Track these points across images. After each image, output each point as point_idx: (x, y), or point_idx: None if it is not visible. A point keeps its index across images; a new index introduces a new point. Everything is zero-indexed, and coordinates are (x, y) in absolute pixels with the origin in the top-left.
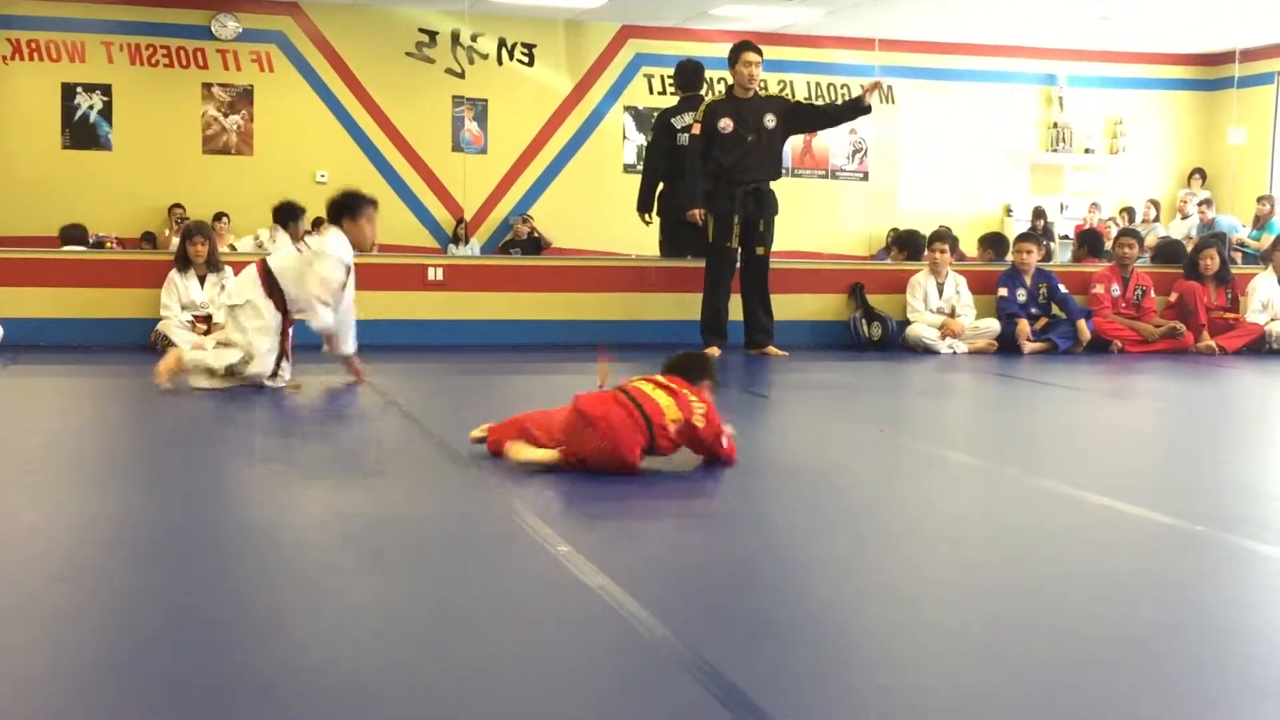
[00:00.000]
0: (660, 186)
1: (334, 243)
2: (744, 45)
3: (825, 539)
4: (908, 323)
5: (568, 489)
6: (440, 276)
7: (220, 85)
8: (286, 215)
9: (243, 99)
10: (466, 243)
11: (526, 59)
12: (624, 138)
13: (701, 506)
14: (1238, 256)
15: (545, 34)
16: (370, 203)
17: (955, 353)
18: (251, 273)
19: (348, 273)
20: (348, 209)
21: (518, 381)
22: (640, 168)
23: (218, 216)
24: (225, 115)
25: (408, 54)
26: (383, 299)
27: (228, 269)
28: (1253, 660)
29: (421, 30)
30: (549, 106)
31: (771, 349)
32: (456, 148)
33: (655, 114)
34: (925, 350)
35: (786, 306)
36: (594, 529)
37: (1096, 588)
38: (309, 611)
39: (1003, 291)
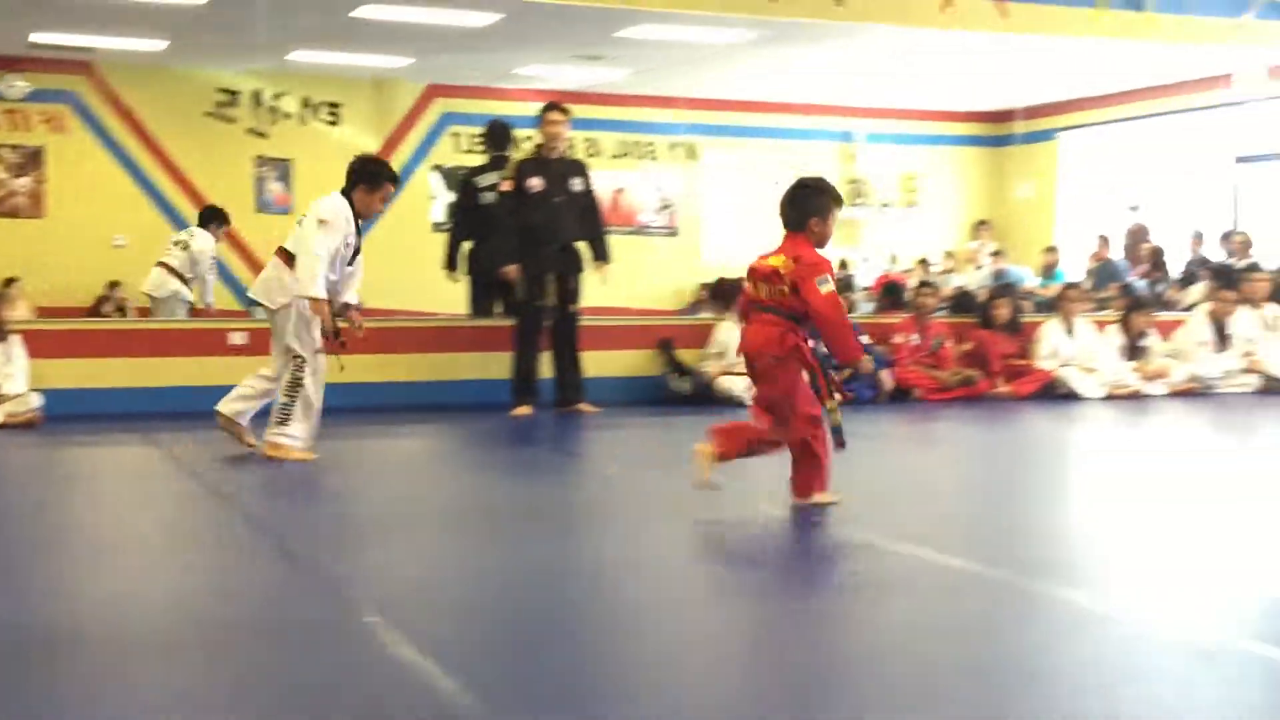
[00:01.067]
0: (468, 245)
1: (327, 204)
2: (549, 106)
3: (614, 593)
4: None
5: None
6: (244, 340)
7: (8, 146)
8: (209, 218)
9: (32, 160)
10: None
11: (332, 118)
12: (432, 196)
13: (515, 568)
14: (1027, 305)
15: (351, 93)
16: (391, 181)
17: None
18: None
19: (350, 234)
20: (367, 178)
21: (324, 448)
22: (448, 226)
23: (7, 282)
24: (15, 177)
25: (207, 114)
26: (181, 365)
27: (15, 338)
28: (1050, 700)
29: (221, 90)
30: None
31: (583, 405)
32: (260, 208)
33: (462, 172)
34: (735, 403)
35: (597, 363)
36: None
37: (904, 634)
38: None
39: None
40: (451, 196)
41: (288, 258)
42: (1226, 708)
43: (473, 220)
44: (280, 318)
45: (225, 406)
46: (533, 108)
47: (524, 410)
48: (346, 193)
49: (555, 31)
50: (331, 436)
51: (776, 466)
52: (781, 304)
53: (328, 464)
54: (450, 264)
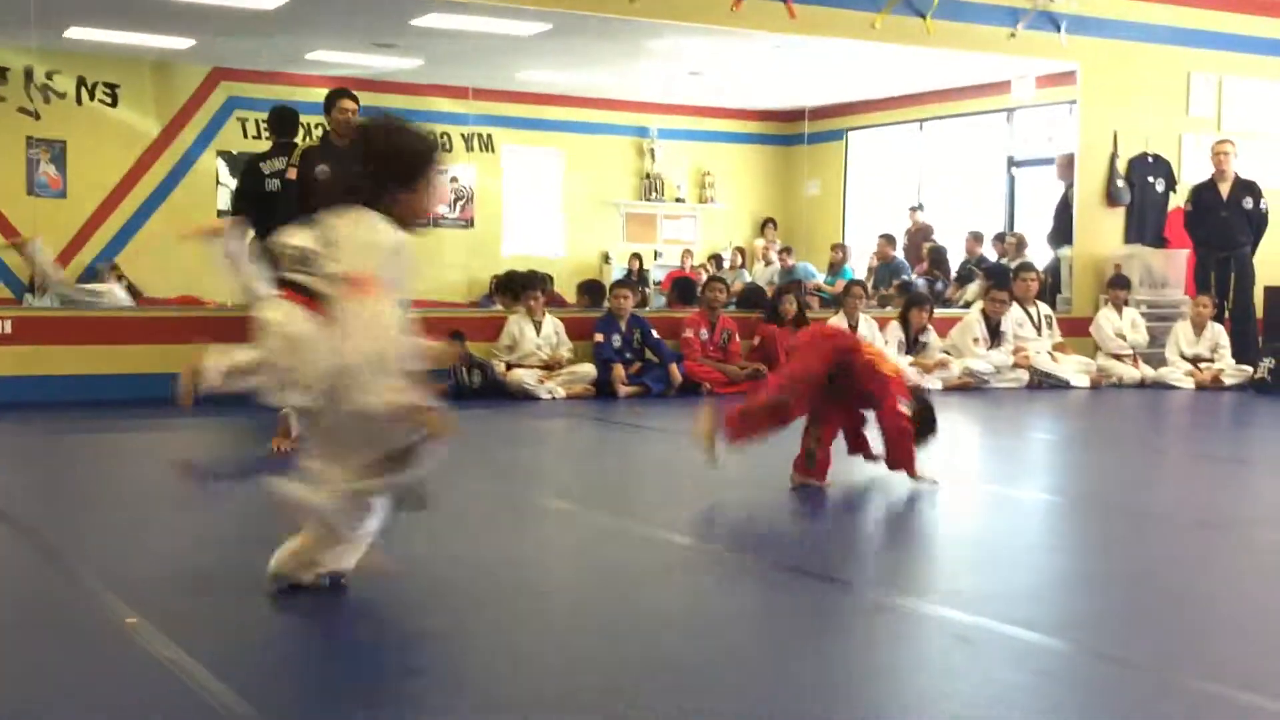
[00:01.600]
0: (251, 233)
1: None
2: (340, 92)
3: (430, 597)
4: (509, 366)
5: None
6: (8, 329)
7: None
8: None
9: None
10: (45, 293)
11: (109, 99)
12: (218, 183)
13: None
14: (815, 301)
15: (130, 74)
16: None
17: (554, 398)
18: None
19: None
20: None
21: (97, 442)
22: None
23: None
24: None
25: None
26: None
27: None
28: (812, 687)
29: None
30: (135, 149)
31: None
32: (31, 191)
33: (247, 158)
34: (526, 396)
35: None
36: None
37: (685, 624)
38: None
39: (599, 337)
40: (237, 184)
41: None
42: (983, 689)
43: (257, 207)
44: None
45: None
46: (322, 94)
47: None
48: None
49: (346, 18)
50: (111, 430)
51: (549, 464)
52: None
53: (107, 460)
54: None
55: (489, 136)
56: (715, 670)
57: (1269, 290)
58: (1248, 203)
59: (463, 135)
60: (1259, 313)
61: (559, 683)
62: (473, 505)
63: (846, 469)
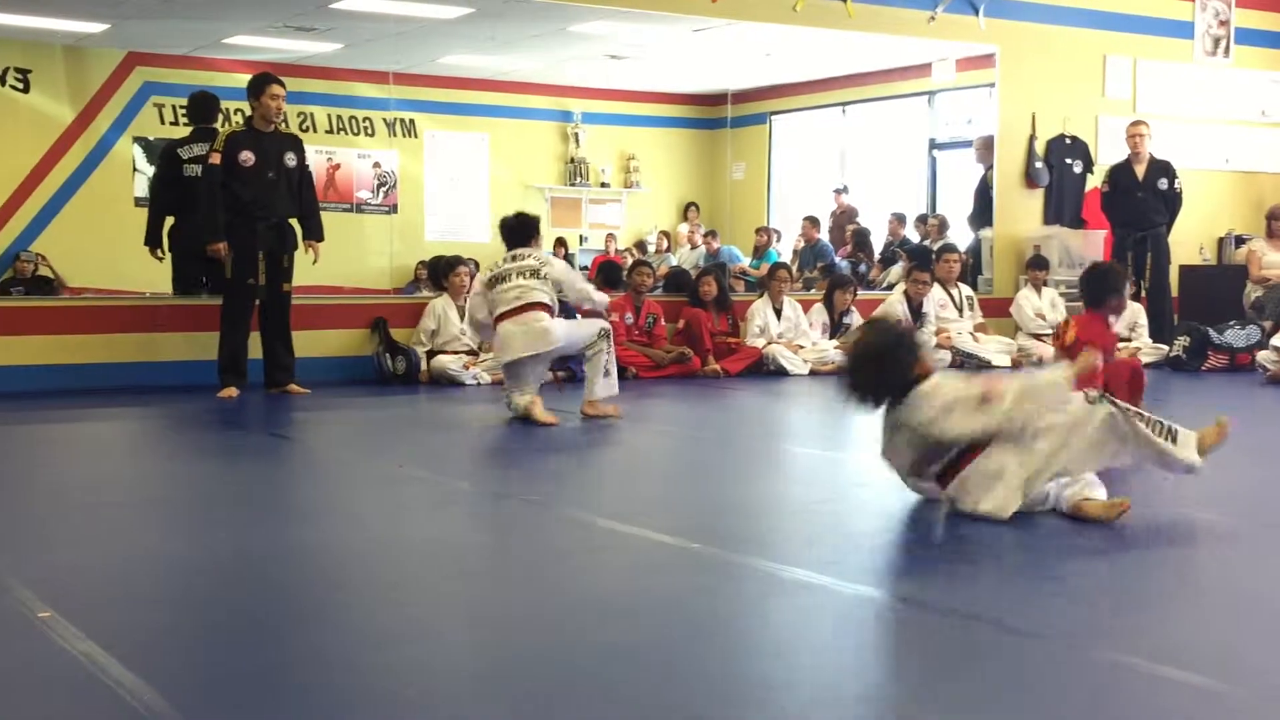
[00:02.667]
0: (171, 221)
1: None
2: (268, 78)
3: (337, 584)
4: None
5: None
6: None
7: None
8: None
9: None
10: None
11: (21, 85)
12: (134, 170)
13: (207, 556)
14: (740, 285)
15: (41, 59)
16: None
17: (479, 384)
18: None
19: None
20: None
21: (9, 434)
22: (150, 201)
23: None
24: None
25: None
26: None
27: None
28: (738, 670)
29: None
30: (49, 136)
31: (293, 387)
32: None
33: (164, 144)
34: (450, 382)
35: (307, 343)
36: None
37: (599, 610)
38: None
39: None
40: (154, 170)
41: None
42: (909, 669)
43: (175, 194)
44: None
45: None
46: (240, 79)
47: (230, 392)
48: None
49: (265, 2)
50: (19, 421)
51: (468, 448)
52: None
53: (21, 452)
54: (153, 240)
55: (412, 122)
56: (634, 649)
57: (1184, 269)
58: (1163, 183)
59: (385, 120)
60: (1174, 291)
61: (479, 668)
62: (394, 489)
63: (752, 446)
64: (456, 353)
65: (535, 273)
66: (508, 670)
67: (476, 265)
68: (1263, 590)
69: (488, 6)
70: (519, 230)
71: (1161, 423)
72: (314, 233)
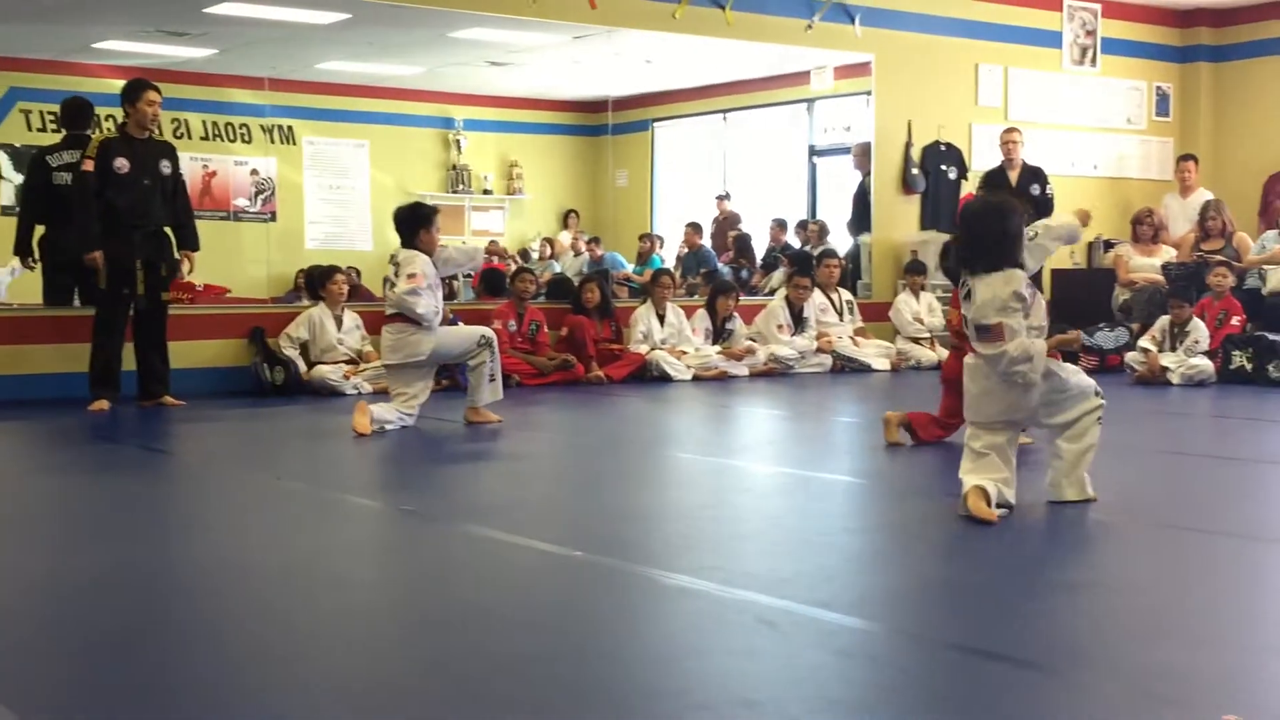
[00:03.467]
0: (41, 230)
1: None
2: (144, 83)
3: (214, 601)
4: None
5: None
6: None
7: None
8: None
9: None
10: None
11: None
12: (0, 178)
13: (74, 575)
14: (624, 291)
15: None
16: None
17: (360, 393)
18: None
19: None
20: (423, 221)
21: None
22: (18, 210)
23: None
24: None
25: None
26: None
27: None
28: (625, 677)
29: None
30: None
31: (167, 399)
32: None
33: (34, 151)
34: (331, 392)
35: (182, 353)
36: None
37: (483, 621)
38: None
39: None
40: (21, 178)
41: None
42: (788, 671)
43: (45, 202)
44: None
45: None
46: (111, 84)
47: (102, 405)
48: (411, 244)
49: (135, 5)
50: None
51: (349, 462)
52: None
53: None
54: (22, 249)
55: (290, 128)
56: (518, 661)
57: (1056, 273)
58: (1035, 189)
59: (262, 127)
60: (1047, 295)
61: (361, 683)
62: (273, 502)
63: (636, 453)
64: (336, 362)
65: (390, 283)
66: (390, 684)
67: (358, 273)
68: (1144, 586)
69: (365, 13)
70: (405, 223)
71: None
72: (188, 242)
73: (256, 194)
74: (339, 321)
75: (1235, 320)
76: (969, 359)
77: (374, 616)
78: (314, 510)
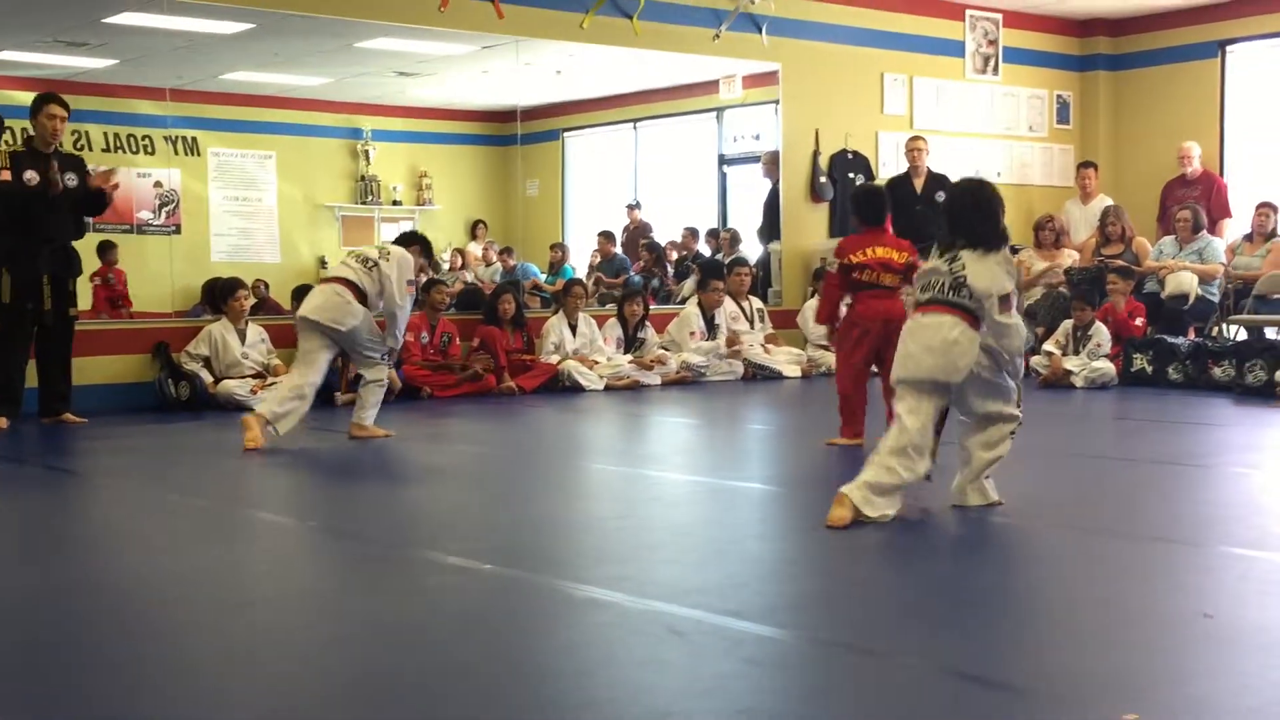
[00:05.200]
0: None
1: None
2: (47, 97)
3: (117, 621)
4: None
5: None
6: None
7: None
8: None
9: None
10: None
11: None
12: None
13: None
14: (536, 301)
15: None
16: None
17: None
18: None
19: None
20: (423, 244)
21: None
22: None
23: None
24: None
25: None
26: None
27: None
28: (530, 691)
29: None
30: None
31: (68, 416)
32: None
33: None
34: (238, 407)
35: (84, 369)
36: None
37: (391, 638)
38: None
39: None
40: None
41: (358, 293)
42: (697, 681)
43: None
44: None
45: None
46: (12, 97)
47: (1, 422)
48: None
49: (31, 14)
50: None
51: (267, 479)
52: (898, 284)
53: None
54: None
55: (194, 139)
56: (427, 676)
57: None
58: (939, 196)
59: (165, 138)
60: None
61: (265, 702)
62: (178, 520)
63: (548, 463)
64: (243, 377)
65: (366, 260)
66: (299, 704)
67: (266, 285)
68: (1048, 589)
69: (270, 23)
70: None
71: None
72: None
73: (160, 206)
74: (242, 335)
75: (1139, 321)
76: (919, 318)
77: (282, 635)
78: (220, 528)
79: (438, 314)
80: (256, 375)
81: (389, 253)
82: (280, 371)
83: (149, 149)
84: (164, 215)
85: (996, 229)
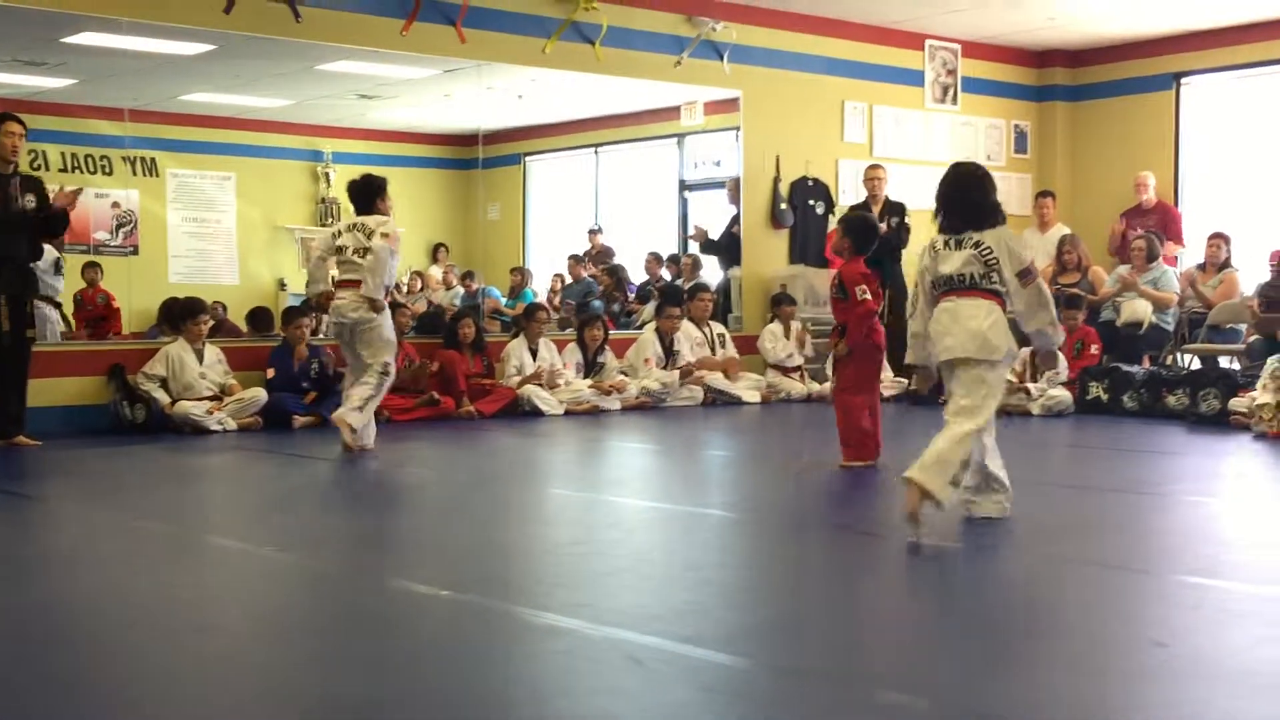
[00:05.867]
0: None
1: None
2: (5, 115)
3: (69, 643)
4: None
5: None
6: None
7: None
8: None
9: None
10: None
11: None
12: None
13: None
14: (495, 325)
15: None
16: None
17: (225, 429)
18: None
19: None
20: (380, 190)
21: None
22: None
23: None
24: None
25: None
26: None
27: None
28: (493, 718)
29: None
30: None
31: (22, 439)
32: None
33: None
34: (195, 429)
35: (38, 391)
36: None
37: (349, 664)
38: None
39: (270, 372)
40: None
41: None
42: (654, 709)
43: None
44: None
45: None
46: None
47: None
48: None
49: None
50: None
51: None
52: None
53: None
54: None
55: (153, 160)
56: (385, 704)
57: None
58: (894, 220)
59: (124, 158)
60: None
61: None
62: (132, 544)
63: (506, 489)
64: (200, 398)
65: (363, 252)
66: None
67: (224, 307)
68: (1003, 615)
69: (230, 45)
70: (362, 192)
71: None
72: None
73: (118, 227)
74: (200, 356)
75: (1094, 349)
76: (956, 303)
77: (236, 661)
78: (175, 552)
79: (400, 337)
80: (213, 397)
81: (364, 225)
82: (235, 390)
83: (107, 169)
84: (121, 236)
85: (996, 204)
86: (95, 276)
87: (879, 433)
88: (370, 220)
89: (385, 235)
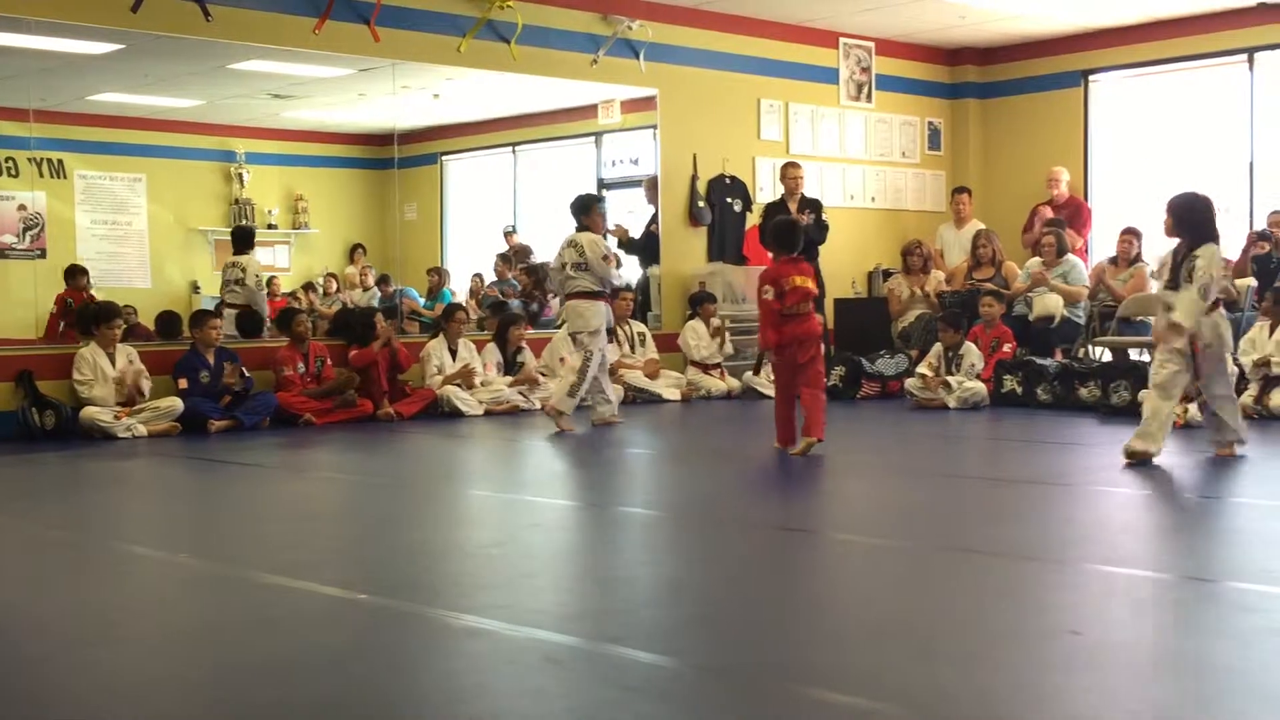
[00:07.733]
0: None
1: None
2: None
3: None
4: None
5: None
6: None
7: None
8: None
9: None
10: None
11: None
12: None
13: None
14: (414, 326)
15: None
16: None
17: (135, 436)
18: None
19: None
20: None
21: None
22: None
23: None
24: None
25: None
26: None
27: None
28: (423, 712)
29: None
30: None
31: None
32: None
33: None
34: (103, 435)
35: None
36: None
37: (265, 671)
38: None
39: (182, 383)
40: None
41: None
42: (574, 710)
43: None
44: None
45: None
46: None
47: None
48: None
49: None
50: None
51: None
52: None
53: None
54: None
55: (60, 161)
56: (302, 709)
57: (838, 302)
58: (810, 216)
59: (30, 160)
60: (830, 323)
61: None
62: (40, 553)
63: (426, 490)
64: (109, 406)
65: (578, 265)
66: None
67: (134, 311)
68: (920, 608)
69: (140, 44)
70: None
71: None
72: None
73: (24, 230)
74: (112, 359)
75: (1007, 347)
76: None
77: (148, 672)
78: (84, 561)
79: (306, 342)
80: (121, 403)
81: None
82: (145, 395)
83: (12, 171)
84: (28, 239)
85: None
86: (83, 283)
87: (794, 421)
88: (584, 239)
89: (605, 259)
